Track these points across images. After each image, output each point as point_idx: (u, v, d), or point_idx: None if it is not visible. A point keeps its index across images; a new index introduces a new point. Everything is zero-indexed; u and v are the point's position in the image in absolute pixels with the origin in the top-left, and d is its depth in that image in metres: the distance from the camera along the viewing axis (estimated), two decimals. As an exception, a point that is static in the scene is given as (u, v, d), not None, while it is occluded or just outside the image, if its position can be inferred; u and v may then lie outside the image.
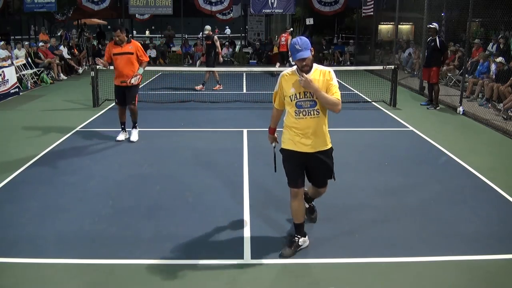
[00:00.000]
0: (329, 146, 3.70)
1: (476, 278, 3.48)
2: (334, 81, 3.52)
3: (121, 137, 7.10)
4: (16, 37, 20.93)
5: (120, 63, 6.82)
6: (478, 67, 11.48)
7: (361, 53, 19.71)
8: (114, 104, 9.79)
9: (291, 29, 16.32)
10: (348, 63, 19.45)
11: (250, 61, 19.56)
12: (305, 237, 3.82)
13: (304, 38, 3.49)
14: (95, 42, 20.79)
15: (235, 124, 8.32)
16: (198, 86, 12.27)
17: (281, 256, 3.68)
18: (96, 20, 25.84)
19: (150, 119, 8.86)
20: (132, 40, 7.04)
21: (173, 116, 9.16)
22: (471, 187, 5.37)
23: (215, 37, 12.29)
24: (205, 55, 12.55)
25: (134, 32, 30.86)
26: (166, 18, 22.96)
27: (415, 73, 14.45)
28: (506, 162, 6.34)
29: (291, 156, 3.68)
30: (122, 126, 7.18)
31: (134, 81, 6.82)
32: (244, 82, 14.07)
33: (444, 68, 12.36)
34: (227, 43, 21.14)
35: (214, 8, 18.43)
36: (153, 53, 19.26)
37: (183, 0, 17.93)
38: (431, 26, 10.09)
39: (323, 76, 3.51)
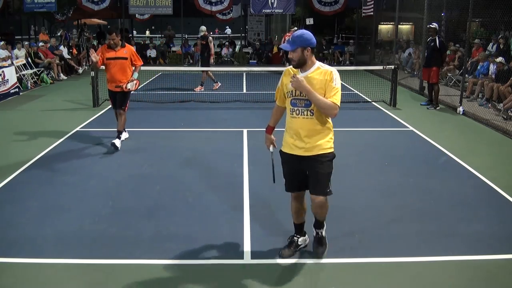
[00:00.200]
0: (327, 151, 3.39)
1: (476, 278, 3.48)
2: (335, 83, 3.26)
3: (122, 137, 6.91)
4: (16, 37, 20.93)
5: (113, 68, 6.58)
6: (478, 67, 11.48)
7: (361, 53, 19.71)
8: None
9: (295, 28, 16.30)
10: (348, 63, 19.46)
11: (250, 61, 19.56)
12: (304, 236, 3.81)
13: (301, 33, 3.29)
14: (95, 42, 20.79)
15: (235, 124, 8.32)
16: (197, 88, 12.27)
17: (281, 256, 3.67)
18: (96, 20, 25.82)
19: (150, 119, 8.87)
20: (126, 44, 6.84)
21: (173, 116, 9.16)
22: (471, 187, 5.37)
23: (210, 37, 12.30)
24: (200, 55, 12.54)
25: (134, 32, 30.86)
26: (166, 18, 22.98)
27: (415, 73, 14.45)
28: (506, 162, 6.34)
29: (288, 159, 3.55)
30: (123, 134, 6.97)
31: (130, 86, 6.63)
32: (244, 82, 14.07)
33: (444, 68, 12.36)
34: (227, 43, 21.15)
35: (214, 8, 18.43)
36: (153, 53, 19.28)
37: (183, 0, 17.94)
38: (431, 26, 10.09)
39: (323, 75, 3.28)
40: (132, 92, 6.97)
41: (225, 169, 5.87)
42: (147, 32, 40.66)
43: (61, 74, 14.67)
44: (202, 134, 7.70)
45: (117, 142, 6.58)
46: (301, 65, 3.31)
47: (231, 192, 5.11)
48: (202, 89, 12.23)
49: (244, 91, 12.47)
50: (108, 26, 30.13)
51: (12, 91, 11.17)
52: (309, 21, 17.87)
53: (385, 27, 20.01)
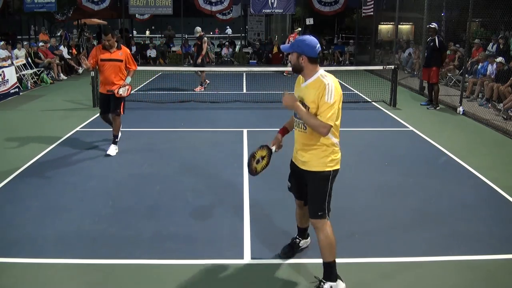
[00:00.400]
0: (320, 169, 3.13)
1: (476, 278, 3.48)
2: (327, 97, 2.96)
3: (113, 149, 6.53)
4: (16, 37, 20.94)
5: (107, 70, 6.31)
6: (478, 67, 11.48)
7: (361, 53, 19.72)
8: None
9: (299, 29, 16.27)
10: (348, 63, 19.46)
11: (250, 61, 19.57)
12: (307, 238, 3.80)
13: (302, 38, 3.10)
14: (95, 42, 20.79)
15: (235, 124, 8.32)
16: (197, 88, 12.26)
17: (281, 256, 3.67)
18: (96, 20, 25.81)
19: (150, 119, 8.87)
20: (122, 46, 6.55)
21: (173, 116, 9.16)
22: (471, 187, 5.37)
23: (205, 38, 12.29)
24: (196, 56, 12.44)
25: (134, 32, 30.87)
26: (166, 18, 22.97)
27: (415, 73, 14.46)
28: (506, 162, 6.34)
29: (292, 167, 3.43)
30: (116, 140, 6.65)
31: (122, 92, 6.31)
32: (244, 82, 14.07)
33: (444, 68, 12.36)
34: (227, 43, 21.16)
35: (214, 8, 18.44)
36: (153, 53, 19.28)
37: (183, 0, 17.94)
38: (430, 26, 10.09)
39: (317, 88, 3.02)
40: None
41: (225, 169, 5.87)
42: (147, 32, 40.67)
43: (61, 74, 14.67)
44: (202, 134, 7.70)
45: (112, 149, 6.40)
46: (297, 71, 3.16)
47: (231, 192, 5.11)
48: (202, 89, 12.23)
49: (244, 91, 12.47)
50: (109, 26, 30.19)
51: (12, 91, 11.17)
52: (309, 21, 17.89)
53: (385, 27, 20.01)
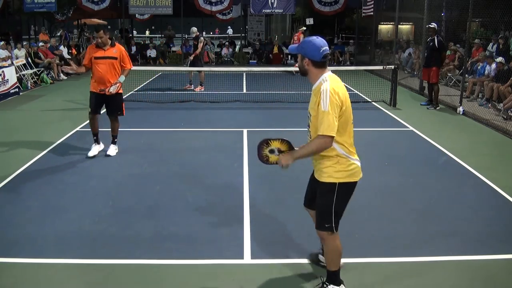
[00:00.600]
0: (326, 180, 2.97)
1: (476, 278, 3.48)
2: (322, 105, 2.80)
3: (95, 150, 6.34)
4: (12, 37, 20.96)
5: (101, 68, 6.07)
6: (479, 68, 11.47)
7: (361, 53, 19.72)
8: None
9: (304, 28, 16.23)
10: (348, 63, 19.46)
11: (250, 61, 19.57)
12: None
13: (308, 39, 2.96)
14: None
15: (235, 124, 8.32)
16: (197, 88, 12.27)
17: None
18: (96, 20, 25.77)
19: (150, 119, 8.87)
20: (116, 43, 6.29)
21: (173, 116, 9.16)
22: (471, 187, 5.37)
23: (201, 38, 12.27)
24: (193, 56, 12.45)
25: (134, 32, 30.87)
26: (166, 18, 22.98)
27: (415, 73, 14.46)
28: (506, 162, 6.34)
29: (312, 174, 3.25)
30: (95, 138, 6.39)
31: (113, 89, 6.07)
32: (244, 82, 14.07)
33: (444, 68, 12.36)
34: (227, 43, 21.16)
35: (214, 8, 18.45)
36: (153, 53, 19.28)
37: (183, 0, 17.94)
38: (430, 26, 10.10)
39: (316, 95, 2.89)
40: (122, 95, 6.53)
41: (225, 169, 5.87)
42: (147, 32, 40.69)
43: (61, 74, 14.67)
44: (202, 134, 7.70)
45: (112, 150, 6.37)
46: (303, 74, 3.03)
47: (231, 192, 5.11)
48: (202, 89, 12.23)
49: (244, 91, 12.47)
50: (109, 26, 30.06)
51: (12, 91, 11.17)
52: (309, 21, 17.91)
53: (385, 27, 20.02)
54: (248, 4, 18.72)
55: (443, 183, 5.43)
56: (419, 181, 5.49)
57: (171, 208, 4.69)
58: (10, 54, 12.99)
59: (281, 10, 18.37)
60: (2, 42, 13.30)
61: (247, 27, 24.05)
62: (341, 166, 2.95)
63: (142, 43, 22.06)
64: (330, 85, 2.86)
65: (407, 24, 18.70)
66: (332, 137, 2.82)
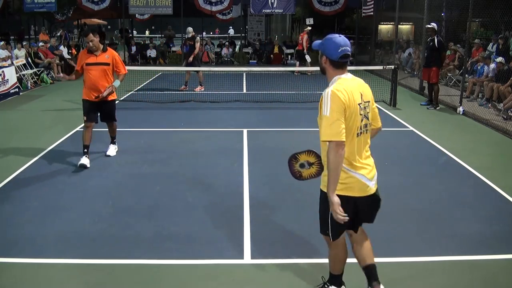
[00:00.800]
0: (323, 188, 2.84)
1: (476, 278, 3.48)
2: (324, 109, 2.62)
3: (85, 161, 5.85)
4: (16, 37, 20.96)
5: (93, 75, 5.76)
6: (479, 68, 11.47)
7: (361, 53, 19.72)
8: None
9: (309, 28, 16.18)
10: (348, 63, 19.43)
11: (250, 61, 19.57)
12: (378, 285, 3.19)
13: (329, 36, 2.81)
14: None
15: (235, 124, 8.32)
16: (197, 88, 12.27)
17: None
18: (96, 20, 25.84)
19: (150, 119, 8.87)
20: (108, 48, 6.01)
21: (173, 116, 9.16)
22: (471, 187, 5.37)
23: (197, 38, 12.26)
24: (188, 56, 12.30)
25: (134, 32, 30.87)
26: (166, 18, 22.97)
27: (415, 73, 14.46)
28: (506, 162, 6.34)
29: None
30: (85, 150, 5.93)
31: (106, 94, 5.82)
32: (244, 82, 14.07)
33: (444, 69, 12.36)
34: (227, 43, 21.16)
35: (214, 8, 18.45)
36: (153, 53, 19.28)
37: (183, 0, 17.94)
38: (428, 26, 10.11)
39: (321, 99, 2.73)
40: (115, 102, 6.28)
41: (225, 169, 5.87)
42: (147, 32, 40.68)
43: (61, 74, 14.65)
44: (202, 134, 7.70)
45: (112, 150, 6.34)
46: (322, 72, 2.86)
47: (231, 192, 5.11)
48: (202, 89, 12.24)
49: (244, 91, 12.47)
50: (108, 26, 29.96)
51: (12, 91, 11.18)
52: (309, 21, 17.90)
53: (385, 27, 20.01)
54: (248, 4, 18.72)
55: (443, 183, 5.43)
56: (419, 181, 5.49)
57: (171, 208, 4.69)
58: (10, 54, 12.99)
59: (281, 10, 18.37)
60: (2, 42, 13.30)
61: (247, 27, 24.05)
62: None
63: (142, 43, 22.06)
64: (335, 87, 2.68)
65: (407, 24, 18.70)
66: (341, 141, 2.57)
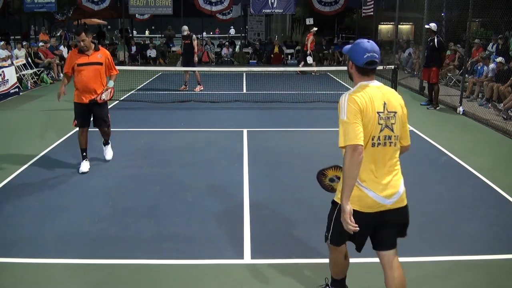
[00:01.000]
0: (334, 197, 2.81)
1: (476, 278, 3.48)
2: (341, 114, 2.56)
3: (85, 167, 5.74)
4: (16, 37, 20.97)
5: (86, 76, 5.45)
6: (479, 68, 11.48)
7: (361, 53, 19.67)
8: (112, 104, 9.82)
9: (315, 28, 16.13)
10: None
11: (250, 61, 19.57)
12: None
13: (358, 41, 2.73)
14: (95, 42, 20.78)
15: (235, 124, 8.32)
16: (197, 87, 12.27)
17: None
18: (96, 20, 25.85)
19: (150, 119, 8.87)
20: (100, 47, 5.73)
21: (173, 116, 9.16)
22: (471, 187, 5.37)
23: (194, 36, 12.21)
24: (185, 55, 12.25)
25: (134, 32, 30.87)
26: (166, 18, 22.99)
27: (415, 73, 14.46)
28: (506, 162, 6.34)
29: None
30: (84, 154, 5.81)
31: (105, 96, 5.57)
32: (244, 82, 14.07)
33: (444, 69, 12.35)
34: (227, 43, 21.16)
35: (214, 8, 18.46)
36: (153, 53, 19.28)
37: (183, 0, 17.94)
38: (426, 26, 10.12)
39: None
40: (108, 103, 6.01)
41: (225, 169, 5.87)
42: (147, 32, 40.68)
43: (61, 74, 14.66)
44: (202, 134, 7.70)
45: (109, 153, 6.14)
46: (350, 77, 2.80)
47: (231, 192, 5.11)
48: (202, 88, 12.23)
49: (244, 91, 12.47)
50: (108, 26, 29.93)
51: (12, 91, 11.18)
52: (309, 21, 17.91)
53: (385, 27, 20.01)
54: (248, 4, 18.73)
55: (443, 183, 5.43)
56: (419, 181, 5.49)
57: (171, 208, 4.69)
58: (10, 54, 12.99)
59: (281, 10, 18.38)
60: (2, 42, 13.30)
61: (247, 27, 24.05)
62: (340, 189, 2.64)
63: (142, 43, 22.05)
64: (353, 92, 2.62)
65: (407, 24, 18.70)
66: (357, 145, 2.44)
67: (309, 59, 15.41)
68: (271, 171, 5.75)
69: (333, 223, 2.77)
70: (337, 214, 2.69)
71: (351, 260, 3.56)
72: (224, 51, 20.22)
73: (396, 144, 2.73)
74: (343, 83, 13.59)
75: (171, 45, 20.82)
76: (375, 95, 2.63)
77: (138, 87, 12.51)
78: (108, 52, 5.77)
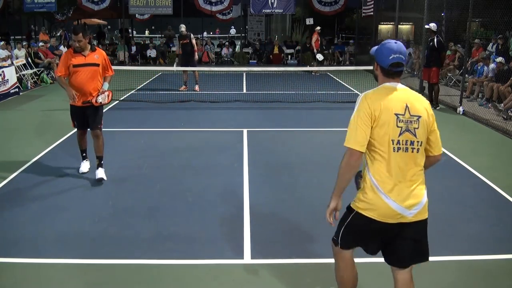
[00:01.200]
0: (352, 203, 2.72)
1: (476, 278, 3.48)
2: (355, 110, 2.56)
3: (85, 167, 5.68)
4: (16, 37, 20.98)
5: (82, 77, 5.26)
6: (479, 68, 11.48)
7: (361, 53, 19.69)
8: (112, 104, 9.82)
9: (319, 27, 16.13)
10: (348, 63, 19.46)
11: (250, 61, 19.57)
12: None
13: (384, 41, 2.65)
14: (95, 42, 20.80)
15: (235, 124, 8.32)
16: (197, 87, 12.26)
17: None
18: (96, 20, 25.85)
19: (150, 119, 8.86)
20: (97, 47, 5.56)
21: (173, 116, 9.16)
22: (471, 187, 5.37)
23: (191, 35, 12.20)
24: (185, 55, 12.18)
25: (134, 32, 30.86)
26: (166, 18, 22.97)
27: (415, 73, 14.46)
28: (506, 162, 6.34)
29: None
30: (84, 154, 5.75)
31: (102, 99, 5.34)
32: (244, 82, 14.07)
33: (444, 69, 12.35)
34: (227, 43, 21.16)
35: (214, 8, 18.46)
36: (153, 53, 19.28)
37: (183, 0, 17.94)
38: (426, 27, 10.12)
39: None
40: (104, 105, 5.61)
41: (225, 169, 5.86)
42: (147, 32, 40.68)
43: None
44: (202, 134, 7.70)
45: (101, 172, 5.41)
46: (375, 79, 2.73)
47: (231, 192, 5.11)
48: (197, 90, 12.21)
49: (244, 91, 12.47)
50: (108, 26, 29.88)
51: (12, 91, 11.18)
52: (309, 21, 17.92)
53: (385, 27, 20.01)
54: (248, 4, 18.73)
55: (443, 183, 5.42)
56: (419, 181, 5.48)
57: (171, 208, 4.69)
58: (10, 54, 12.99)
59: (281, 10, 18.38)
60: (2, 42, 13.30)
61: (247, 27, 24.05)
62: (361, 193, 2.57)
63: (142, 43, 22.05)
64: (370, 92, 2.55)
65: (407, 24, 18.70)
66: (355, 150, 2.42)
67: (319, 56, 15.43)
68: (271, 171, 5.75)
69: (345, 226, 2.68)
70: (350, 219, 2.63)
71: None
72: (224, 51, 20.22)
73: (420, 151, 2.55)
74: (343, 83, 13.59)
75: (171, 45, 20.80)
76: (394, 96, 2.54)
77: (138, 87, 12.51)
78: (104, 53, 5.60)
